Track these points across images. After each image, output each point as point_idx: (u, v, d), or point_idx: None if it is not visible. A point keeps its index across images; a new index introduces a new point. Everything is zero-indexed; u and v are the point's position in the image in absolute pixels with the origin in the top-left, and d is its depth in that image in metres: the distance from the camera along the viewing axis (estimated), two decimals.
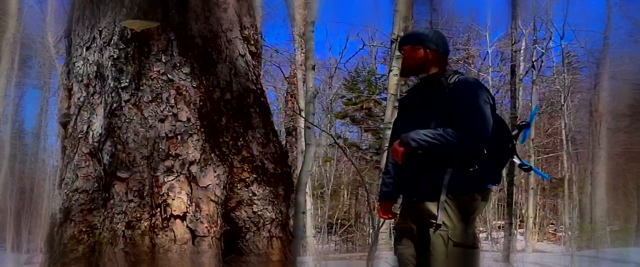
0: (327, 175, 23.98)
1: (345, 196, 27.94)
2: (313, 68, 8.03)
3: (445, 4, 24.71)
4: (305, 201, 11.96)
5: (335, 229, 23.69)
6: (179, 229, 3.28)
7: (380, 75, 25.96)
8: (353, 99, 26.56)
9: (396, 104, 10.11)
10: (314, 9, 8.23)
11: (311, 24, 7.72)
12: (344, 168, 27.26)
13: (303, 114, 9.60)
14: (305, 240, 16.64)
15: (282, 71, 25.59)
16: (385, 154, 5.03)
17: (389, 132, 7.99)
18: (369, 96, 25.55)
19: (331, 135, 20.23)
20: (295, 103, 20.92)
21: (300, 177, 6.67)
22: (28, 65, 25.72)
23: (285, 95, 25.92)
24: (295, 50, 19.97)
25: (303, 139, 10.23)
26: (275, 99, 27.05)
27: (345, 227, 24.11)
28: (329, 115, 24.83)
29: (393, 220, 4.52)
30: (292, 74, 22.65)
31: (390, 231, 10.84)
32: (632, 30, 24.60)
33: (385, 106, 13.84)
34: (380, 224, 8.81)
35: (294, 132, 22.22)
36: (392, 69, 11.87)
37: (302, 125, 11.63)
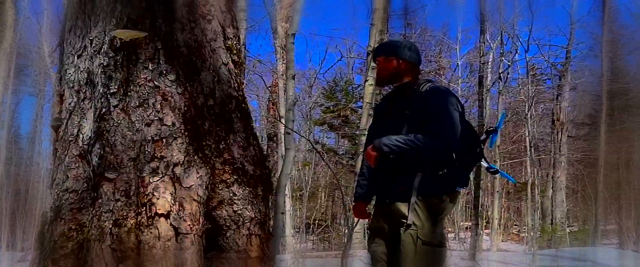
0: (306, 178, 23.97)
1: (323, 197, 27.94)
2: (293, 78, 8.06)
3: (419, 19, 24.80)
4: (285, 202, 11.95)
5: (312, 228, 23.65)
6: (163, 226, 3.27)
7: (356, 85, 26.00)
8: (331, 107, 26.58)
9: (371, 112, 10.14)
10: (295, 23, 8.25)
11: (292, 36, 7.73)
12: (322, 172, 27.24)
13: (283, 120, 9.60)
14: (285, 239, 16.64)
15: (263, 81, 25.59)
16: (360, 158, 5.05)
17: (364, 138, 8.03)
18: (346, 104, 25.58)
19: (310, 140, 20.29)
20: (276, 110, 20.92)
21: (280, 180, 6.68)
22: (24, 73, 25.55)
23: (267, 103, 25.89)
24: (277, 61, 19.99)
25: (283, 144, 10.22)
26: (257, 107, 27.06)
27: (323, 227, 24.08)
28: (308, 122, 24.87)
29: (367, 220, 4.54)
30: (274, 83, 22.63)
31: (365, 231, 10.85)
32: (592, 45, 24.82)
33: (361, 114, 13.86)
34: (355, 224, 8.82)
35: (275, 138, 22.21)
36: (367, 79, 11.90)
37: (283, 131, 11.62)
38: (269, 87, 24.80)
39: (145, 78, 3.41)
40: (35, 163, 26.45)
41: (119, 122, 3.37)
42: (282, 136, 13.19)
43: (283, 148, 10.30)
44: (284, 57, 15.79)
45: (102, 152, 3.37)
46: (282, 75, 17.46)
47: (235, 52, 3.85)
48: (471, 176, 15.08)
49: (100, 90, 3.44)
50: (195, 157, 3.43)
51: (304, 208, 22.99)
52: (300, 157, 24.15)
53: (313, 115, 25.97)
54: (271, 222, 5.20)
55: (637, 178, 19.76)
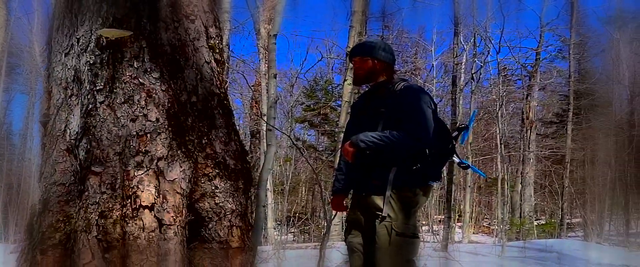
0: (287, 173, 24.01)
1: (303, 192, 28.02)
2: (275, 77, 8.02)
3: (396, 22, 24.91)
4: (266, 196, 11.94)
5: (293, 221, 23.65)
6: (148, 218, 3.25)
7: (336, 85, 26.07)
8: (311, 105, 26.66)
9: (350, 110, 10.14)
10: (277, 24, 8.21)
11: (274, 37, 7.70)
12: (302, 167, 27.30)
13: (265, 118, 9.58)
14: (266, 231, 16.65)
15: (246, 80, 25.55)
16: (339, 153, 5.06)
17: (343, 135, 8.03)
18: (325, 103, 25.64)
19: (291, 137, 20.26)
20: (259, 108, 20.90)
21: (261, 175, 6.64)
22: (16, 72, 25.35)
23: (250, 101, 25.83)
24: (260, 61, 19.98)
25: (265, 140, 10.20)
26: (241, 105, 27.02)
27: (303, 220, 24.09)
28: (289, 120, 24.90)
29: (345, 213, 4.55)
30: (257, 82, 22.59)
31: (343, 223, 10.85)
32: (560, 48, 25.17)
33: (340, 112, 13.89)
34: (333, 216, 8.81)
35: (257, 135, 22.22)
36: (346, 79, 11.94)
37: (265, 128, 11.60)
38: (252, 86, 24.74)
39: (130, 75, 3.38)
40: (27, 159, 26.24)
41: (105, 118, 3.34)
42: (264, 133, 13.18)
43: (265, 144, 10.29)
44: (267, 57, 15.76)
45: (88, 147, 3.35)
46: (265, 74, 17.44)
47: (217, 51, 3.83)
48: (444, 171, 15.15)
49: (87, 87, 3.42)
50: (179, 152, 3.41)
51: (285, 202, 23.04)
52: (281, 153, 24.17)
53: (294, 113, 26.03)
54: (253, 215, 5.19)
55: (601, 174, 19.96)
